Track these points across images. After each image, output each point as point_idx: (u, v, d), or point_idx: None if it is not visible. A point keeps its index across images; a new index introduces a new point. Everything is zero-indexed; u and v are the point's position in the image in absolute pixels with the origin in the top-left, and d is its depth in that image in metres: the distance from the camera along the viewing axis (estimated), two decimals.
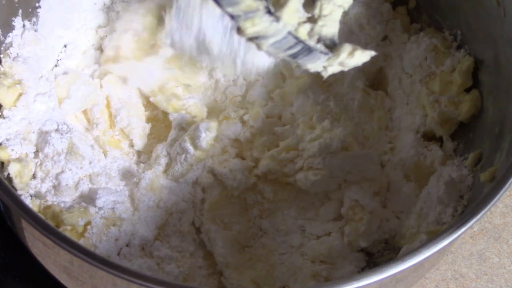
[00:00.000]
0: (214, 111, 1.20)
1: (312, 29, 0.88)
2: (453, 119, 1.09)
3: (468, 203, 0.98)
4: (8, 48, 1.07)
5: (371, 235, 1.06)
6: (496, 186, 0.88)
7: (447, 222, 0.98)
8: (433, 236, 0.84)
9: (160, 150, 1.12)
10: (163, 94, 1.16)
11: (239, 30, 0.84)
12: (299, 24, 0.87)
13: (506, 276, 1.19)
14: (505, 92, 1.01)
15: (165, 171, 1.11)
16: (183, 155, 1.10)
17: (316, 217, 1.11)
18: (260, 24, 0.84)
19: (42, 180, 1.02)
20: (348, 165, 1.09)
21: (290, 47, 0.87)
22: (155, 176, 1.08)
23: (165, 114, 1.18)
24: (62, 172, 1.03)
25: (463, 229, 0.84)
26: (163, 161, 1.10)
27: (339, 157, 1.09)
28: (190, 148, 1.09)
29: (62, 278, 0.97)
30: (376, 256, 1.07)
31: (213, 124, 1.11)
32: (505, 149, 0.95)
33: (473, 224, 0.84)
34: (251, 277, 1.04)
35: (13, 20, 1.08)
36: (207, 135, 1.09)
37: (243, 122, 1.16)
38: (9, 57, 1.06)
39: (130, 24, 1.16)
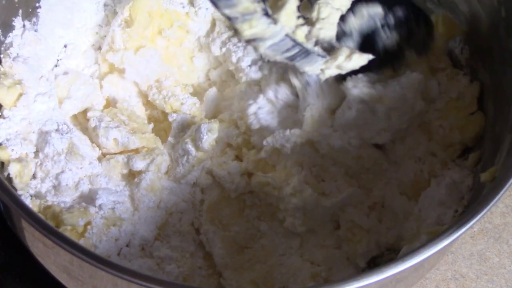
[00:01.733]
0: (213, 111, 1.20)
1: (310, 32, 0.88)
2: (457, 144, 1.07)
3: (468, 204, 0.98)
4: (8, 48, 1.07)
5: (370, 253, 1.05)
6: (496, 186, 0.88)
7: (447, 223, 0.98)
8: (433, 237, 0.84)
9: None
10: (160, 92, 1.16)
11: (236, 32, 0.84)
12: (297, 26, 0.87)
13: (506, 276, 1.19)
14: (505, 92, 1.01)
15: (166, 173, 1.11)
16: (185, 156, 1.09)
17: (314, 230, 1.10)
18: (258, 26, 0.84)
19: (42, 180, 1.02)
20: (331, 210, 1.07)
21: (288, 50, 0.87)
22: (156, 177, 1.08)
23: (165, 114, 1.18)
24: (62, 172, 1.03)
25: (463, 230, 0.83)
26: (164, 163, 1.10)
27: (318, 210, 1.06)
28: (192, 150, 1.09)
29: (62, 278, 0.97)
30: (376, 256, 1.07)
31: (215, 125, 1.10)
32: (505, 149, 0.95)
33: (473, 224, 0.84)
34: (250, 278, 1.04)
35: (13, 20, 1.08)
36: (209, 137, 1.09)
37: (237, 127, 1.15)
38: (9, 57, 1.06)
39: (119, 16, 1.16)
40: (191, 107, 1.16)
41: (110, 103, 1.18)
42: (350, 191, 1.06)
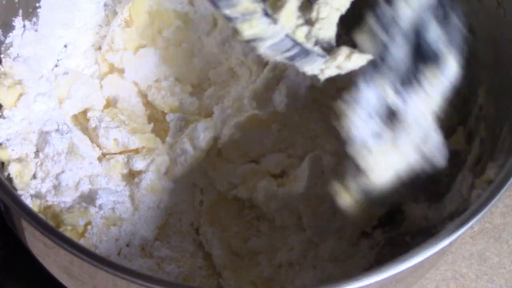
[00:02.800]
0: (212, 111, 1.19)
1: (309, 32, 0.88)
2: None
3: (468, 204, 0.98)
4: (8, 48, 1.07)
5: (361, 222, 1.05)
6: (496, 186, 0.88)
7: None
8: (433, 237, 0.84)
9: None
10: (159, 92, 1.16)
11: (236, 33, 0.84)
12: (297, 26, 0.87)
13: (506, 276, 1.19)
14: (505, 92, 1.01)
15: (166, 173, 1.11)
16: (183, 156, 1.09)
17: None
18: (258, 26, 0.84)
19: (43, 180, 1.02)
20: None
21: (288, 50, 0.87)
22: (156, 177, 1.08)
23: (165, 113, 1.18)
24: (63, 172, 1.03)
25: (463, 229, 0.83)
26: (164, 163, 1.10)
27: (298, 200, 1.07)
28: (190, 149, 1.09)
29: (62, 278, 0.97)
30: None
31: (212, 124, 1.10)
32: (505, 150, 0.95)
33: (473, 224, 0.84)
34: (249, 278, 1.04)
35: (13, 20, 1.08)
36: (206, 136, 1.09)
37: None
38: (10, 57, 1.06)
39: (119, 16, 1.16)
40: (190, 107, 1.16)
41: (110, 103, 1.18)
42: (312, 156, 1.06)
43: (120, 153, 1.11)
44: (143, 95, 1.20)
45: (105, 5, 1.21)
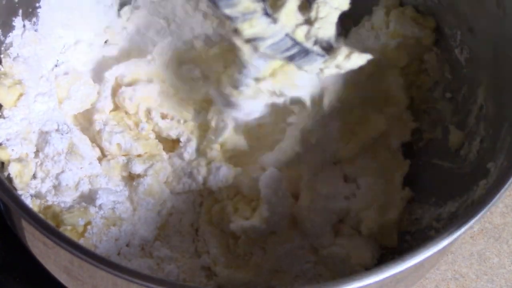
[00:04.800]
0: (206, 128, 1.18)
1: (308, 32, 0.88)
2: None
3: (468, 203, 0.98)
4: (8, 48, 1.07)
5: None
6: (496, 186, 0.88)
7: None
8: (433, 237, 0.84)
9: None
10: (164, 120, 1.15)
11: (237, 32, 0.85)
12: (297, 26, 0.87)
13: (506, 276, 1.19)
14: (505, 91, 1.01)
15: (165, 182, 1.10)
16: (191, 182, 1.09)
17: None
18: (258, 25, 0.84)
19: (43, 180, 1.02)
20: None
21: (287, 49, 0.87)
22: (154, 181, 1.08)
23: None
24: (62, 172, 1.03)
25: (463, 229, 0.83)
26: (164, 170, 1.10)
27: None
28: (200, 182, 1.09)
29: (62, 278, 0.97)
30: None
31: (232, 172, 1.08)
32: (505, 150, 0.95)
33: (473, 224, 0.84)
34: (248, 278, 1.04)
35: (13, 20, 1.08)
36: (220, 181, 1.08)
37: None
38: (10, 57, 1.06)
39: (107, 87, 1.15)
40: (186, 126, 1.15)
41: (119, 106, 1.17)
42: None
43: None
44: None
45: (105, 5, 1.21)
